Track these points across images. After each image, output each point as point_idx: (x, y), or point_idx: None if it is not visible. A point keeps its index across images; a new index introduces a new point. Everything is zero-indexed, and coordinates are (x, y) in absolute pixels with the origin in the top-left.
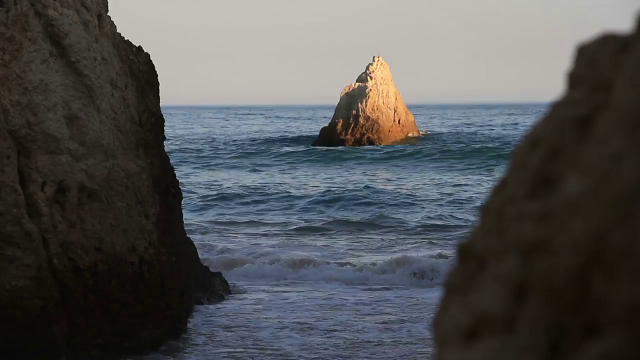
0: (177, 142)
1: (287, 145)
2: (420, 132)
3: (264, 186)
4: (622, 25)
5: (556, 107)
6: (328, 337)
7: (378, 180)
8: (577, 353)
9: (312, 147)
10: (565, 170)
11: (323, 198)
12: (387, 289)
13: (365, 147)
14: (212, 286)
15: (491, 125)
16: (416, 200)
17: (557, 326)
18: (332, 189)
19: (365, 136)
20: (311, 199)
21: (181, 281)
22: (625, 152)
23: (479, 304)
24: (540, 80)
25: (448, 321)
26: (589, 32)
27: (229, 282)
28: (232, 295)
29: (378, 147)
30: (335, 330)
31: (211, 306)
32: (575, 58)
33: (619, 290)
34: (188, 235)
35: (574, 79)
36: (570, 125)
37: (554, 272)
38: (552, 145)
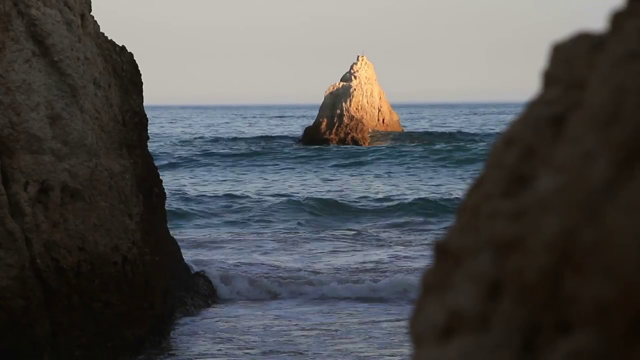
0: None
1: (270, 145)
2: (403, 129)
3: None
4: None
5: (531, 106)
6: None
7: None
8: (550, 350)
9: (295, 147)
10: (539, 169)
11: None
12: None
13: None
14: (196, 286)
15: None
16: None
17: (531, 324)
18: (299, 193)
19: (350, 135)
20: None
21: (165, 281)
22: (597, 150)
23: (453, 302)
24: (532, 79)
25: (424, 320)
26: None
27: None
28: (217, 298)
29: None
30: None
31: (197, 312)
32: (550, 57)
33: (588, 288)
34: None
35: (549, 77)
36: (545, 124)
37: (526, 270)
38: (527, 143)
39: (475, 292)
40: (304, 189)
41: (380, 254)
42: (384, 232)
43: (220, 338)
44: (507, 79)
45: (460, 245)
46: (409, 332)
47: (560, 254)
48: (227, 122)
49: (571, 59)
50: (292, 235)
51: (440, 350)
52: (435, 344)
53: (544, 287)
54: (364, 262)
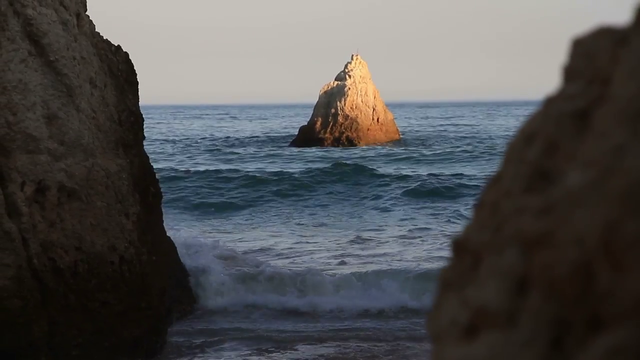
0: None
1: (263, 146)
2: (400, 132)
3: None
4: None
5: (552, 101)
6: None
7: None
8: (584, 347)
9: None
10: (564, 164)
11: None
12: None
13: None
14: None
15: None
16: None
17: (560, 320)
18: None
19: (344, 135)
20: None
21: (162, 280)
22: (629, 143)
23: (478, 298)
24: (525, 77)
25: (444, 317)
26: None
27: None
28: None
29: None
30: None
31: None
32: (570, 51)
33: (628, 282)
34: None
35: (570, 72)
36: (569, 119)
37: (556, 266)
38: (550, 139)
39: (502, 288)
40: None
41: None
42: None
43: (217, 335)
44: (504, 77)
45: (480, 241)
46: (428, 330)
47: (595, 248)
48: (221, 123)
49: (593, 54)
50: None
51: (465, 348)
52: (458, 341)
53: (575, 283)
54: None
